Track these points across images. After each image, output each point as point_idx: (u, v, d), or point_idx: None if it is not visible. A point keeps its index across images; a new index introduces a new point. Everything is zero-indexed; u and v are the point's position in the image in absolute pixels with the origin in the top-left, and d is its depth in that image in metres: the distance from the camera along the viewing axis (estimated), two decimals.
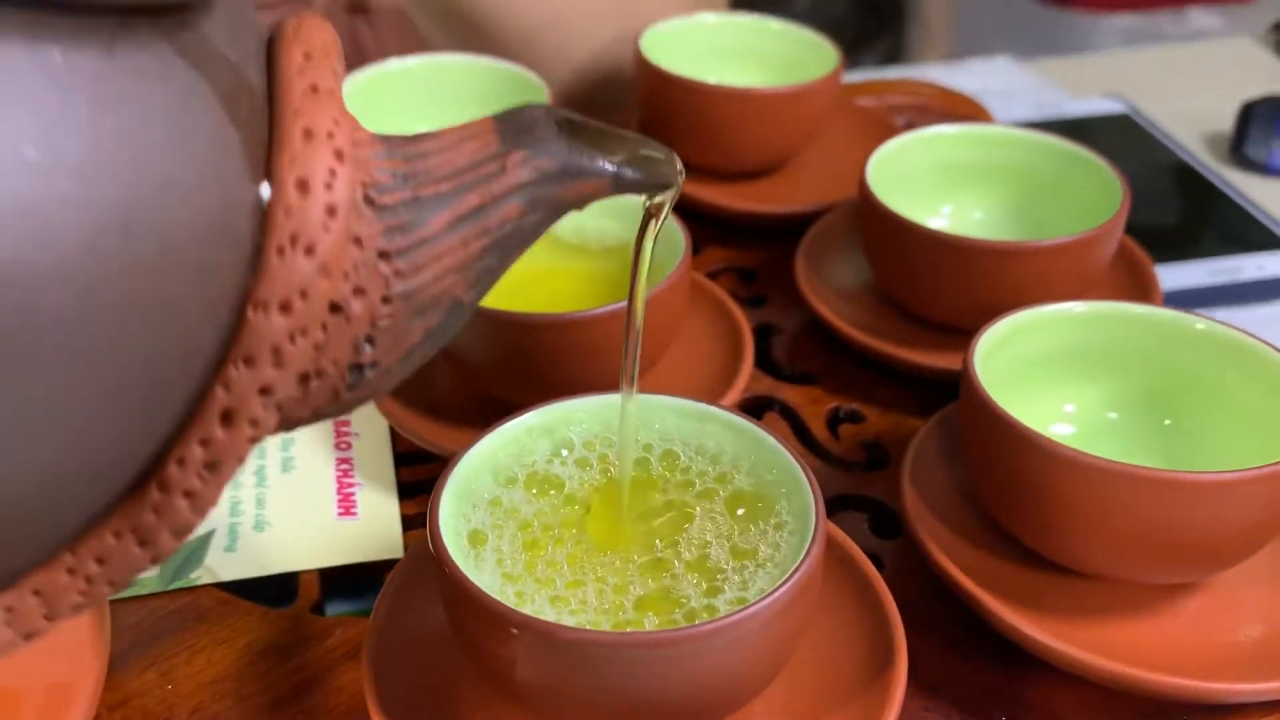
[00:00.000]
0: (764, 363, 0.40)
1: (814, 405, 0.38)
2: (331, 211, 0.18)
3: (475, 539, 0.25)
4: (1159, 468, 0.26)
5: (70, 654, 0.26)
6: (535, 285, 0.35)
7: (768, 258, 0.45)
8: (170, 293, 0.16)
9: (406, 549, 0.32)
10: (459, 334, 0.32)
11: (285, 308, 0.17)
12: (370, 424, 0.36)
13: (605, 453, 0.28)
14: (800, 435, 0.37)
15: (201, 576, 0.31)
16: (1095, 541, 0.28)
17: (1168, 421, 0.32)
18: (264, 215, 0.17)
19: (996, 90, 0.83)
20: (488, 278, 0.21)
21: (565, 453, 0.28)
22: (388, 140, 0.20)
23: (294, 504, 0.33)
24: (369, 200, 0.19)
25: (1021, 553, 0.30)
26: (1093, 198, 0.38)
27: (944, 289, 0.37)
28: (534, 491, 0.27)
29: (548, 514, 0.26)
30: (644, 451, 0.28)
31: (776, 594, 0.22)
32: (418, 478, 0.34)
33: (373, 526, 0.32)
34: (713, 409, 0.28)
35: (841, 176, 0.45)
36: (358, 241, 0.18)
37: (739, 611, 0.22)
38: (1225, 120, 0.70)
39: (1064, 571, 0.29)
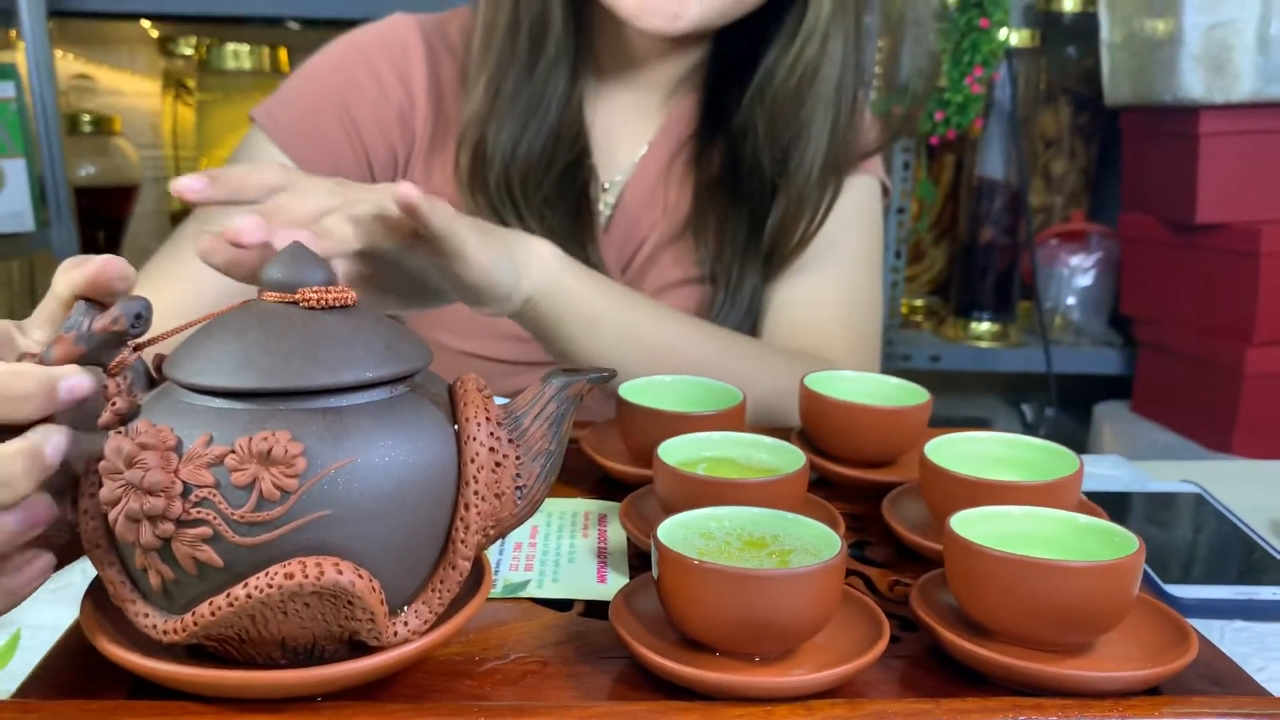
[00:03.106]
0: (857, 557, 0.64)
1: (883, 578, 0.62)
2: (485, 433, 0.48)
3: (672, 544, 0.51)
4: (1034, 556, 0.49)
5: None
6: None
7: (867, 507, 0.71)
8: (433, 485, 0.46)
9: None
10: (668, 488, 0.60)
11: (479, 468, 0.47)
12: (616, 538, 0.63)
13: (739, 531, 0.54)
14: (871, 588, 0.60)
15: (522, 594, 0.57)
16: (1005, 610, 0.50)
17: None
18: (460, 444, 0.47)
19: (1097, 474, 1.05)
20: (557, 436, 0.50)
21: (720, 527, 0.54)
22: (502, 405, 0.50)
23: (574, 575, 0.60)
24: (499, 423, 0.49)
25: (981, 631, 0.52)
26: (1065, 471, 0.62)
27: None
28: (701, 536, 0.53)
29: (707, 545, 0.52)
30: (760, 533, 0.53)
31: (813, 566, 0.47)
32: (638, 570, 0.61)
33: (614, 585, 0.58)
34: (795, 515, 0.53)
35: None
36: (498, 439, 0.48)
37: (793, 569, 0.47)
38: None
39: (1006, 641, 0.51)
